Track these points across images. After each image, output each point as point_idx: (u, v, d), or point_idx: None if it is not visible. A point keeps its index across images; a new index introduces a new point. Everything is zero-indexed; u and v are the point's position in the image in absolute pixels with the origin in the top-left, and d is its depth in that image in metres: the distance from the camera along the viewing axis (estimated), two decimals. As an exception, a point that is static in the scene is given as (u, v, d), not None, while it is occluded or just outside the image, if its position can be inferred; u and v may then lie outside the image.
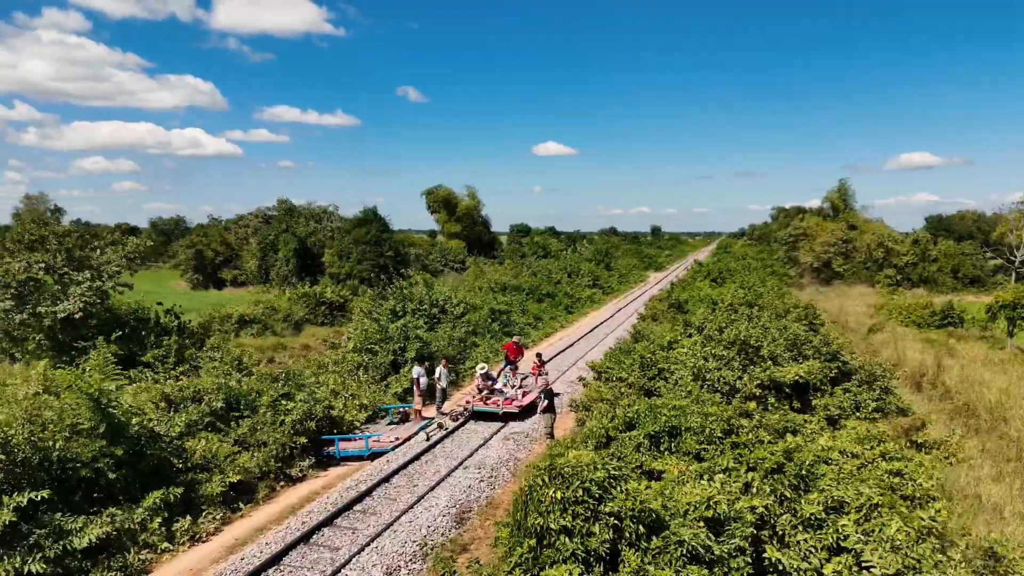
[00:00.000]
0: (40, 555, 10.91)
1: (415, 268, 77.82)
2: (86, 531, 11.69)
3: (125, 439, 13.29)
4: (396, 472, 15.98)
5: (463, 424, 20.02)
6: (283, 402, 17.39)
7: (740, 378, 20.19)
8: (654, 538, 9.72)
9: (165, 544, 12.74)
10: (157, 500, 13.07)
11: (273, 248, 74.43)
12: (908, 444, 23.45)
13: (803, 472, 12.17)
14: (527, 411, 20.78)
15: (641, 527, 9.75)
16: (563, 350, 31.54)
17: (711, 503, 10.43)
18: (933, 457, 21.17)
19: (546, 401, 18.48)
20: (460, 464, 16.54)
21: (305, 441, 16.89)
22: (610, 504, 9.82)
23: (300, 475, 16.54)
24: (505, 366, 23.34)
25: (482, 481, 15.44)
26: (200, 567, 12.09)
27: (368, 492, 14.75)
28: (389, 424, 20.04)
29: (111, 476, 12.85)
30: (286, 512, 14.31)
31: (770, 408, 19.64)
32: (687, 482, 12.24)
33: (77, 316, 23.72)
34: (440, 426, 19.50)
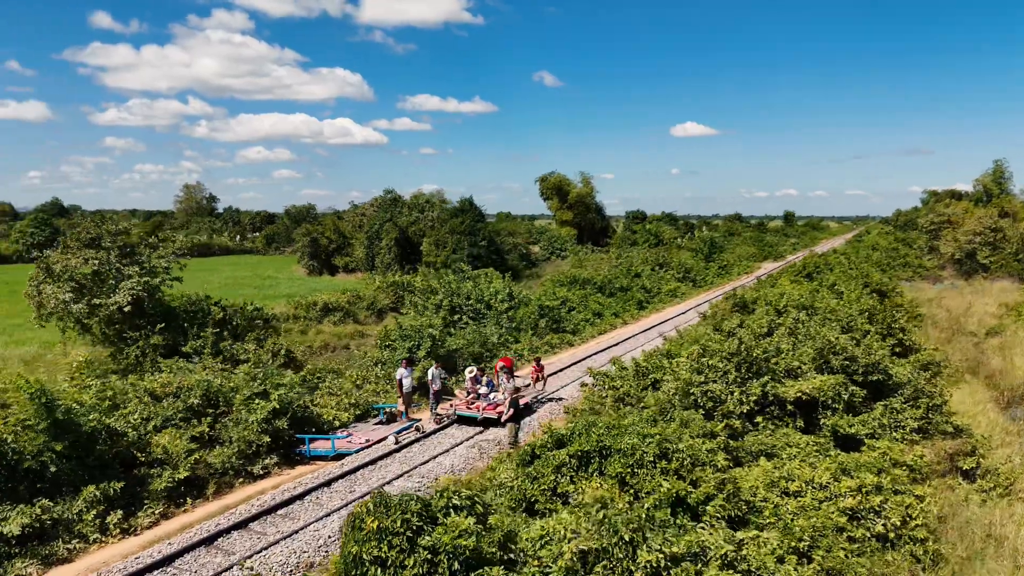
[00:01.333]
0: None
1: (513, 257, 78.42)
2: (11, 520, 12.83)
3: (70, 434, 14.39)
4: (341, 477, 16.29)
5: (445, 428, 20.07)
6: (256, 400, 18.15)
7: (731, 393, 18.87)
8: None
9: (97, 535, 13.73)
10: (96, 493, 14.09)
11: (377, 237, 77.37)
12: (954, 471, 21.33)
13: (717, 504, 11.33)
14: (512, 417, 20.49)
15: (457, 563, 9.40)
16: (601, 351, 30.73)
17: (543, 542, 9.87)
18: (969, 490, 19.19)
19: (511, 410, 18.13)
20: (407, 472, 16.61)
21: (268, 440, 17.53)
22: (427, 538, 9.53)
23: (262, 472, 17.24)
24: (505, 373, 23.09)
25: (417, 492, 15.40)
26: (113, 561, 12.92)
27: (300, 496, 15.15)
28: (376, 423, 20.44)
29: (53, 469, 13.98)
30: (222, 510, 14.98)
31: (759, 427, 18.25)
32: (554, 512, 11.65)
33: (127, 308, 25.84)
34: (417, 429, 19.65)
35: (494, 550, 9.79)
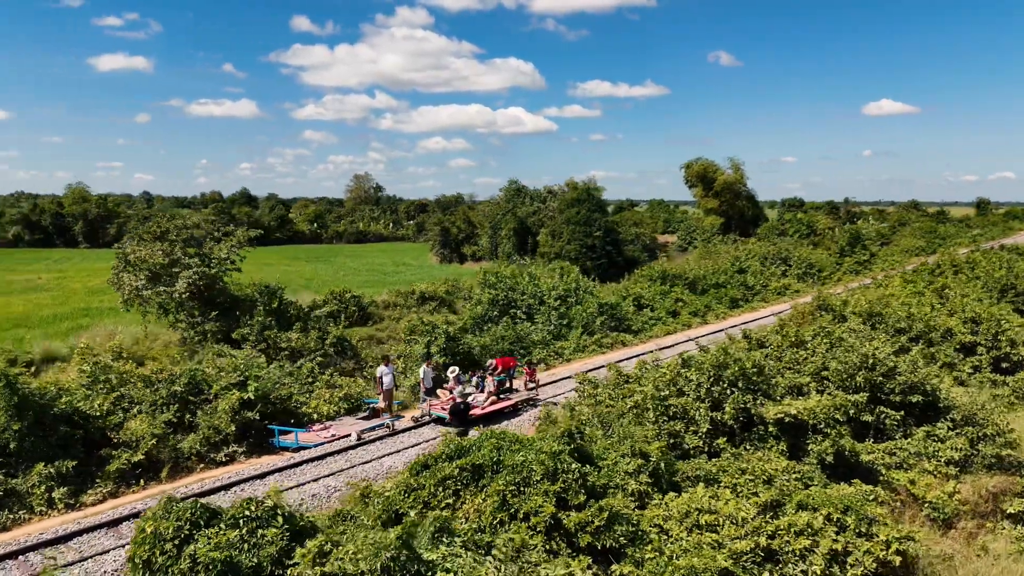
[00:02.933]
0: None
1: (634, 248, 76.58)
2: None
3: (32, 414, 16.07)
4: (278, 471, 16.90)
5: (418, 427, 20.17)
6: (232, 390, 19.23)
7: (699, 409, 17.36)
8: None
9: (43, 508, 15.30)
10: (50, 470, 15.68)
11: (499, 227, 78.60)
12: (997, 513, 18.75)
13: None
14: (488, 418, 20.17)
15: (214, 574, 9.51)
16: (648, 352, 29.26)
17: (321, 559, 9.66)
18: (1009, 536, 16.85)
19: (451, 416, 17.84)
20: (345, 470, 16.88)
21: (234, 428, 18.53)
22: (194, 545, 9.73)
23: (225, 459, 18.29)
24: (490, 373, 22.69)
25: (326, 497, 15.63)
26: (47, 530, 14.31)
27: (227, 487, 15.92)
28: (359, 418, 20.95)
29: (13, 445, 15.73)
30: (155, 495, 16.09)
31: (741, 448, 16.67)
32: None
33: (185, 295, 28.31)
34: (388, 427, 19.89)
35: (265, 563, 9.80)
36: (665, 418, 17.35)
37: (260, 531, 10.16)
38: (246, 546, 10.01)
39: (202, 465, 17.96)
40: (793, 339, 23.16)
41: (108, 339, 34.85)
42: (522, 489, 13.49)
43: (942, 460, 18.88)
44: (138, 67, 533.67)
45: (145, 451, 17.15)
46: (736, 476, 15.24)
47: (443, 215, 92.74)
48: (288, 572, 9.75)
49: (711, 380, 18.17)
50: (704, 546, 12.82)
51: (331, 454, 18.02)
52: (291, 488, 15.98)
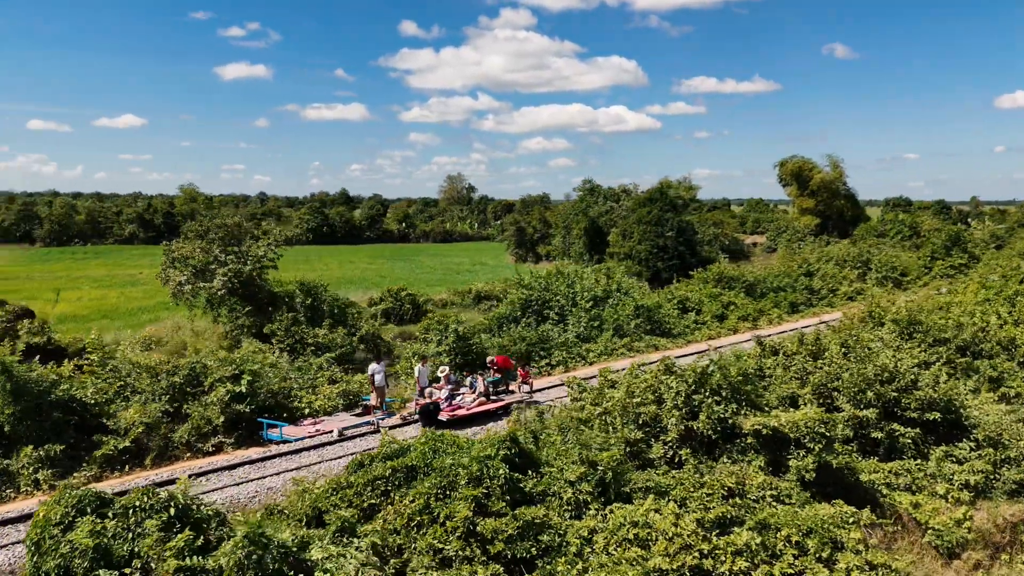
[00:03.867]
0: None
1: (711, 249, 74.32)
2: None
3: (27, 400, 17.19)
4: (250, 463, 17.35)
5: (405, 425, 20.23)
6: (226, 383, 19.91)
7: (671, 418, 16.52)
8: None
9: (29, 487, 16.35)
10: (39, 452, 16.74)
11: (570, 227, 78.04)
12: (1016, 544, 17.27)
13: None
14: (471, 420, 19.98)
15: (87, 562, 9.84)
16: (680, 356, 28.20)
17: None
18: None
19: (420, 416, 17.72)
20: (301, 467, 17.08)
21: (222, 420, 19.18)
22: (73, 532, 10.10)
23: (212, 449, 18.97)
24: (493, 370, 22.46)
25: (281, 490, 15.85)
26: (21, 509, 15.30)
27: (200, 475, 16.50)
28: (353, 414, 21.24)
29: (7, 429, 16.90)
30: (136, 480, 16.87)
31: (692, 459, 15.79)
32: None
33: (221, 292, 29.63)
34: (373, 425, 20.02)
35: (143, 552, 10.06)
36: (633, 426, 16.64)
37: (148, 521, 10.43)
38: (129, 535, 10.31)
39: (189, 454, 18.70)
40: (812, 348, 21.70)
41: (174, 331, 37.03)
42: (448, 493, 13.29)
43: (955, 484, 17.28)
44: (258, 75, 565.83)
45: (133, 438, 18.02)
46: (691, 490, 14.41)
47: (519, 215, 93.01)
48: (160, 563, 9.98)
49: (692, 388, 17.25)
50: (624, 561, 12.23)
51: (307, 449, 18.35)
52: (254, 480, 16.38)
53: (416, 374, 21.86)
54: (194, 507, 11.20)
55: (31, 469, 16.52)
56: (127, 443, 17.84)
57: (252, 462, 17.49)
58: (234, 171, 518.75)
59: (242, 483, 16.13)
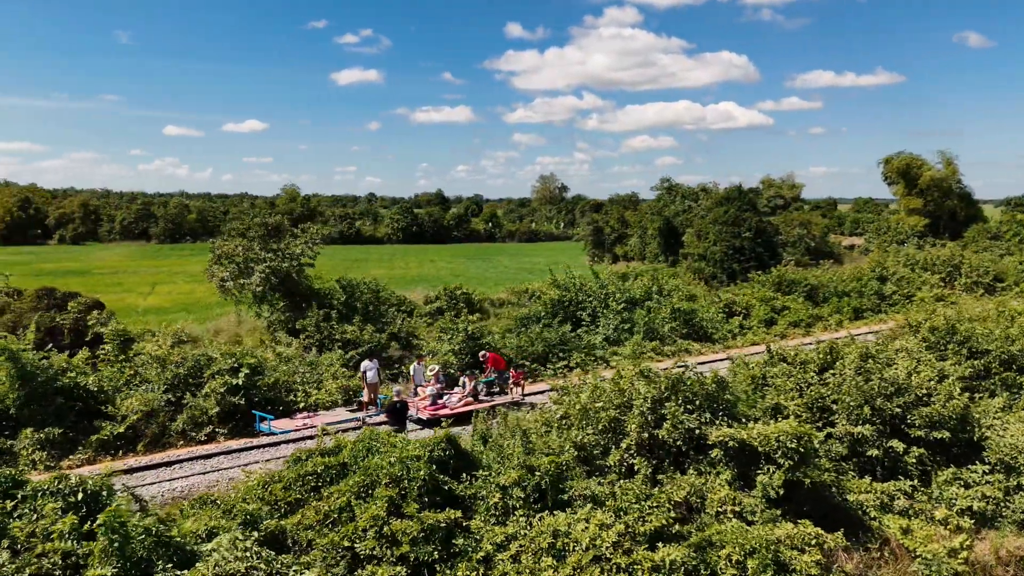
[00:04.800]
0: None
1: (794, 250, 71.13)
2: None
3: (33, 386, 18.45)
4: (226, 453, 17.94)
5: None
6: (223, 375, 20.68)
7: (632, 426, 15.80)
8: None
9: (26, 467, 17.54)
10: (39, 435, 17.94)
11: (646, 227, 76.49)
12: None
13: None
14: (458, 420, 19.82)
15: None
16: (718, 360, 27.15)
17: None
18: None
19: (387, 415, 17.72)
20: (271, 460, 17.46)
21: (217, 411, 19.92)
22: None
23: (205, 439, 19.74)
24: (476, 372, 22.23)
25: (230, 482, 16.22)
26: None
27: (175, 462, 17.23)
28: (348, 410, 21.60)
29: (12, 412, 18.21)
30: (127, 463, 17.77)
31: (645, 469, 15.06)
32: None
33: (259, 288, 30.83)
34: (360, 421, 20.26)
35: (40, 533, 10.58)
36: (591, 431, 16.04)
37: (48, 505, 10.96)
38: (34, 516, 10.86)
39: (182, 442, 19.54)
40: (823, 358, 20.24)
41: (236, 325, 38.91)
42: (371, 492, 13.25)
43: (956, 510, 15.75)
44: (370, 80, 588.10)
45: (130, 425, 19.02)
46: (633, 501, 13.75)
47: (596, 214, 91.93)
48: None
49: (664, 394, 16.47)
50: (529, 571, 11.83)
51: (289, 442, 18.79)
52: (223, 470, 16.93)
53: (411, 372, 21.99)
54: (104, 494, 11.65)
55: (30, 450, 17.71)
56: (122, 429, 18.84)
57: (230, 452, 18.09)
58: (346, 173, 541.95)
59: (209, 472, 16.70)
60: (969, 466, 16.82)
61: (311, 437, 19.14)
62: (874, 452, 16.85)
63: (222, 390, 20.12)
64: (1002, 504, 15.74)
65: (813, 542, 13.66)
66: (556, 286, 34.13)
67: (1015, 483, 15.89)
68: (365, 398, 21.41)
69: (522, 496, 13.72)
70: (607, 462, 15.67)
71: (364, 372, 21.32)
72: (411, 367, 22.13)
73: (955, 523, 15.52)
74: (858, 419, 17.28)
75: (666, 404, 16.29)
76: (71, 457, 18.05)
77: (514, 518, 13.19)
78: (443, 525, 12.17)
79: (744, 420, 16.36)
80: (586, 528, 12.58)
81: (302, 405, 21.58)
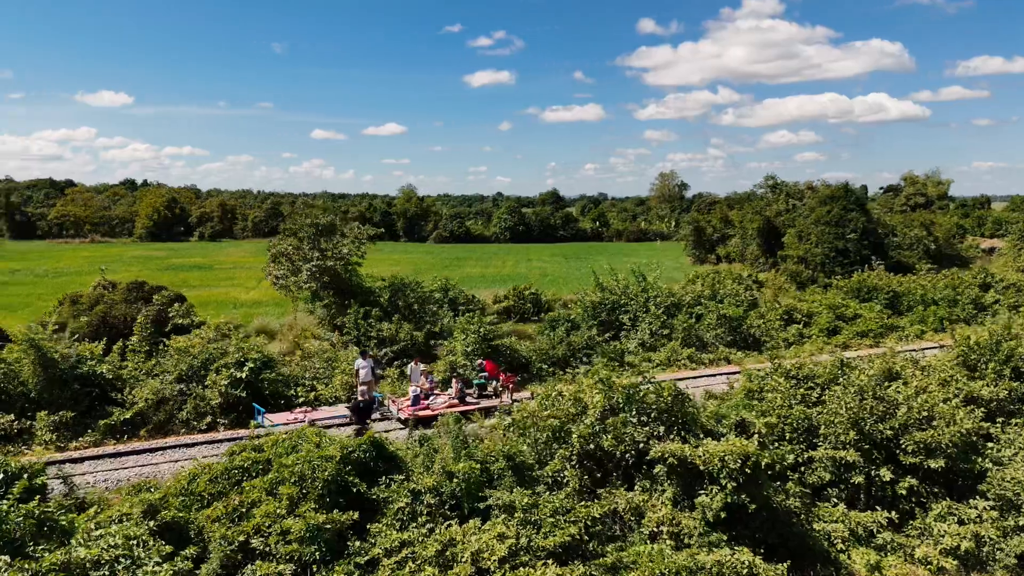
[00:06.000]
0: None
1: (909, 254, 65.85)
2: None
3: (51, 371, 20.14)
4: (208, 443, 18.81)
5: (384, 419, 20.59)
6: (230, 368, 21.67)
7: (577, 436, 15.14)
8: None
9: (38, 446, 19.21)
10: (54, 418, 19.58)
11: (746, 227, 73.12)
12: None
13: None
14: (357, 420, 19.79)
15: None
16: (728, 374, 25.57)
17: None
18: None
19: (352, 415, 17.83)
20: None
21: (219, 402, 20.94)
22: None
23: (206, 428, 20.79)
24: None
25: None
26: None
27: (158, 449, 18.28)
28: (347, 407, 22.02)
29: (32, 394, 19.97)
30: (128, 447, 19.03)
31: (574, 480, 14.42)
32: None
33: (307, 285, 32.13)
34: (349, 418, 20.60)
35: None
36: (532, 441, 15.52)
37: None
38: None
39: (184, 430, 20.70)
40: (835, 373, 18.54)
41: (304, 320, 40.84)
42: (275, 489, 13.48)
43: (940, 548, 14.08)
44: (502, 81, 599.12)
45: (139, 412, 20.38)
46: (546, 514, 13.24)
47: (698, 213, 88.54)
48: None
49: (620, 405, 15.74)
50: (398, 583, 11.63)
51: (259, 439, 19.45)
52: (190, 459, 17.76)
53: (408, 372, 22.15)
54: (25, 477, 12.55)
55: (45, 431, 19.37)
56: (128, 415, 20.20)
57: (213, 442, 18.96)
58: (478, 173, 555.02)
59: (178, 461, 17.57)
60: (970, 500, 14.93)
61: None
62: (858, 479, 15.30)
63: (225, 383, 21.11)
64: (995, 545, 13.84)
65: (746, 572, 12.64)
66: (600, 288, 33.22)
67: (1014, 523, 13.91)
68: (359, 396, 21.76)
69: (432, 503, 13.52)
70: (545, 472, 15.15)
71: (357, 371, 21.67)
72: (408, 367, 22.28)
73: (936, 563, 13.85)
74: (844, 442, 15.75)
75: (618, 415, 15.60)
76: (80, 439, 19.56)
77: (416, 524, 13.01)
78: (328, 527, 12.18)
79: (701, 436, 15.30)
80: (475, 541, 12.19)
81: (302, 400, 22.26)
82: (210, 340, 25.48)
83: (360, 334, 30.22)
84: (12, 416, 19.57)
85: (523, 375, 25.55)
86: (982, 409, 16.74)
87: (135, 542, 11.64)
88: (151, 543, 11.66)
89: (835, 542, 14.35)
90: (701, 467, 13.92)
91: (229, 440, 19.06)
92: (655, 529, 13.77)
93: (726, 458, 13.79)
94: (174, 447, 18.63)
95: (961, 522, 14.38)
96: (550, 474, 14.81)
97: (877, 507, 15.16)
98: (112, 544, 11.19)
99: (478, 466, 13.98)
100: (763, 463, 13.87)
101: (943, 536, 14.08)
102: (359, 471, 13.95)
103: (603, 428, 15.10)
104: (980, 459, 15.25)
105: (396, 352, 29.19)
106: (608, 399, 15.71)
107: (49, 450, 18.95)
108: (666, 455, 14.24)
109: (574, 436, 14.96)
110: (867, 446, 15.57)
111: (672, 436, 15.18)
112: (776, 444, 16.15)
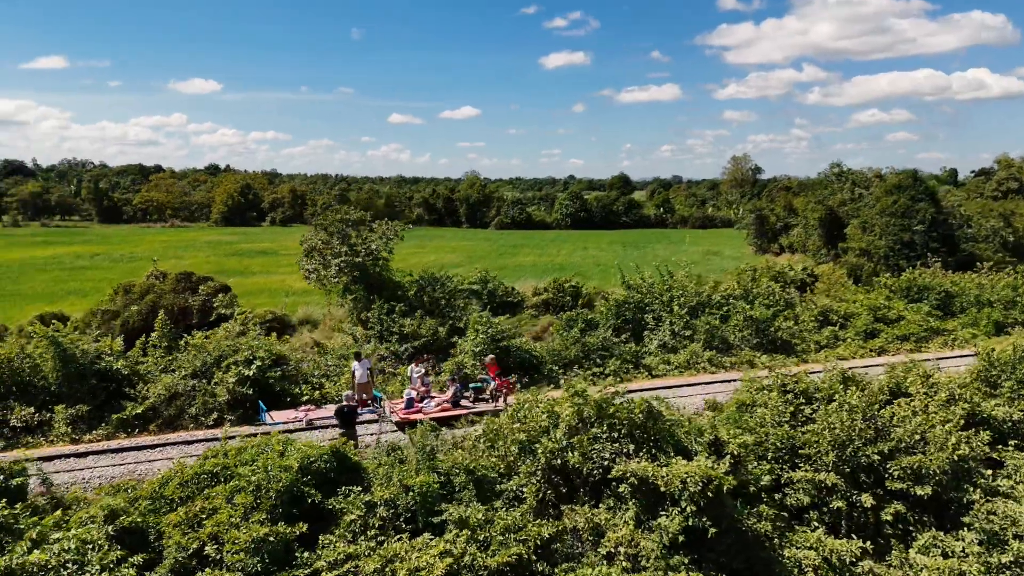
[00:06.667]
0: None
1: (988, 246, 62.26)
2: (14, 415, 20.24)
3: (70, 366, 21.21)
4: (194, 442, 19.42)
5: (378, 421, 20.81)
6: (239, 365, 22.33)
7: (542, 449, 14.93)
8: None
9: (54, 438, 20.29)
10: (71, 411, 20.63)
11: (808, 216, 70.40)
12: None
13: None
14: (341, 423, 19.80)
15: None
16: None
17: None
18: None
19: (336, 419, 18.04)
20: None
21: (225, 399, 21.61)
22: None
23: (212, 424, 21.52)
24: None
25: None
26: (41, 453, 19.08)
27: (151, 447, 19.04)
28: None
29: (52, 388, 21.10)
30: (137, 441, 19.90)
31: (531, 493, 14.27)
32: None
33: (334, 280, 32.77)
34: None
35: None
36: (499, 454, 15.39)
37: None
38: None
39: (193, 426, 21.48)
40: (829, 389, 17.69)
41: (342, 312, 41.75)
42: (232, 497, 13.78)
43: (919, 586, 13.37)
44: (577, 62, 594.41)
45: (149, 407, 21.26)
46: (498, 531, 13.15)
47: (760, 200, 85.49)
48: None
49: (592, 419, 15.44)
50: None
51: (264, 433, 19.96)
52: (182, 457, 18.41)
53: (409, 373, 22.30)
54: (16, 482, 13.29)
55: (61, 423, 20.45)
56: (140, 410, 21.08)
57: (213, 440, 19.57)
58: (551, 156, 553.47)
59: (172, 458, 18.21)
60: (959, 532, 14.05)
61: (300, 430, 20.25)
62: (838, 504, 14.61)
63: (232, 380, 21.78)
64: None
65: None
66: (627, 286, 32.60)
67: (1000, 560, 13.00)
68: (356, 397, 22.01)
69: (386, 516, 13.60)
70: (510, 487, 15.03)
71: (354, 372, 21.89)
72: (408, 368, 22.44)
73: (910, 601, 13.12)
74: (825, 464, 15.06)
75: (589, 431, 15.30)
76: (94, 432, 20.56)
77: (366, 537, 13.13)
78: (272, 539, 12.40)
79: (671, 454, 14.84)
80: (417, 557, 12.21)
81: (306, 398, 22.74)
82: (239, 333, 26.32)
83: (383, 329, 30.61)
84: (33, 408, 20.70)
85: (534, 376, 25.36)
86: (987, 432, 15.65)
87: (91, 546, 12.20)
88: (105, 547, 12.15)
89: (805, 570, 13.73)
90: (662, 488, 13.54)
91: (228, 438, 19.62)
92: (613, 550, 13.47)
93: (687, 480, 13.37)
94: (174, 444, 19.33)
95: (946, 555, 13.53)
96: (514, 489, 14.68)
97: (859, 534, 14.42)
98: (65, 548, 11.72)
99: (436, 479, 13.96)
100: (725, 487, 13.36)
101: (922, 570, 13.29)
102: (320, 481, 14.13)
103: (571, 444, 14.82)
104: (971, 488, 14.26)
105: (416, 348, 29.45)
106: (579, 413, 15.39)
107: (64, 442, 20.00)
108: (628, 474, 13.90)
109: (540, 451, 14.76)
110: (848, 469, 14.82)
111: (642, 454, 14.80)
112: (756, 463, 15.53)
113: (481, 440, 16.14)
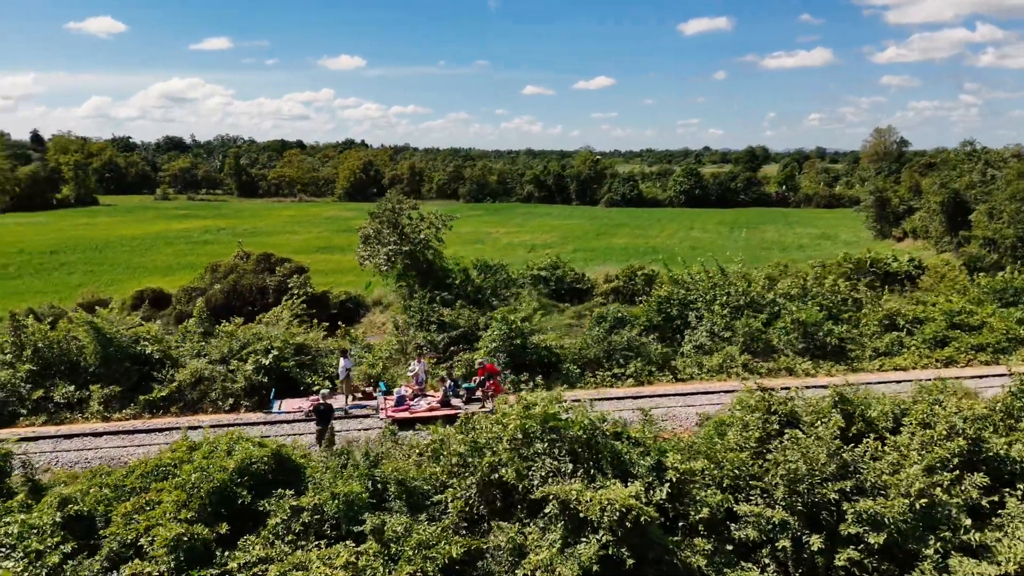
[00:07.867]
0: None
1: None
2: (57, 391, 22.37)
3: (107, 349, 23.08)
4: (191, 428, 20.59)
5: (373, 416, 21.27)
6: (258, 354, 23.45)
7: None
8: None
9: (87, 416, 22.22)
10: (104, 391, 22.50)
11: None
12: None
13: None
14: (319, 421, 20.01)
15: None
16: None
17: None
18: None
19: (314, 415, 18.49)
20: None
21: (241, 386, 22.80)
22: None
23: (228, 408, 22.78)
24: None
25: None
26: (66, 433, 21.07)
27: (131, 431, 20.46)
28: (355, 398, 23.02)
29: (91, 369, 23.06)
30: (159, 422, 21.46)
31: (455, 511, 14.13)
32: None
33: (383, 268, 33.58)
34: (344, 411, 21.50)
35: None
36: (440, 466, 15.27)
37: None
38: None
39: (212, 409, 22.87)
40: (814, 414, 16.26)
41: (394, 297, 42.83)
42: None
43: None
44: (719, 27, 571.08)
45: (175, 389, 22.82)
46: (411, 546, 13.19)
47: (880, 178, 78.40)
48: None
49: (538, 435, 15.08)
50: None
51: (277, 423, 20.93)
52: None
53: (412, 369, 22.54)
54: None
55: (95, 402, 22.37)
56: (165, 392, 22.67)
57: (219, 426, 20.76)
58: (688, 125, 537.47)
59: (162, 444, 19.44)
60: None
61: (298, 420, 21.07)
62: (783, 543, 13.55)
63: (250, 368, 22.96)
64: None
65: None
66: (674, 282, 31.17)
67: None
68: (345, 394, 22.33)
69: (309, 521, 13.93)
70: (444, 498, 14.94)
71: (345, 369, 22.17)
72: (411, 364, 22.66)
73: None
74: (775, 499, 14.00)
75: (533, 446, 14.95)
76: (123, 411, 22.35)
77: (283, 542, 13.52)
78: (186, 538, 13.00)
79: (609, 475, 14.21)
80: (322, 568, 12.47)
81: (316, 389, 23.51)
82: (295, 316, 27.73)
83: (423, 318, 31.06)
84: (74, 387, 22.77)
85: (551, 375, 24.90)
86: (981, 475, 13.90)
87: (36, 531, 13.34)
88: (48, 532, 13.24)
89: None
90: (582, 514, 13.06)
91: (231, 425, 20.74)
92: (529, 573, 13.16)
93: (606, 507, 12.82)
94: (176, 428, 20.63)
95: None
96: (436, 503, 14.62)
97: (807, 580, 13.30)
98: (7, 533, 12.89)
99: (364, 488, 14.14)
100: (643, 518, 12.68)
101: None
102: (257, 482, 14.65)
103: (508, 459, 14.54)
104: (935, 540, 12.71)
105: (453, 338, 29.65)
106: (524, 426, 15.03)
107: (96, 419, 21.90)
108: (550, 496, 13.50)
109: (477, 464, 14.60)
110: (803, 507, 13.65)
111: (580, 474, 14.30)
112: (707, 491, 14.58)
113: (427, 449, 16.11)
